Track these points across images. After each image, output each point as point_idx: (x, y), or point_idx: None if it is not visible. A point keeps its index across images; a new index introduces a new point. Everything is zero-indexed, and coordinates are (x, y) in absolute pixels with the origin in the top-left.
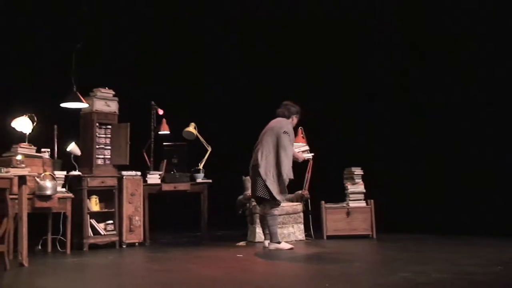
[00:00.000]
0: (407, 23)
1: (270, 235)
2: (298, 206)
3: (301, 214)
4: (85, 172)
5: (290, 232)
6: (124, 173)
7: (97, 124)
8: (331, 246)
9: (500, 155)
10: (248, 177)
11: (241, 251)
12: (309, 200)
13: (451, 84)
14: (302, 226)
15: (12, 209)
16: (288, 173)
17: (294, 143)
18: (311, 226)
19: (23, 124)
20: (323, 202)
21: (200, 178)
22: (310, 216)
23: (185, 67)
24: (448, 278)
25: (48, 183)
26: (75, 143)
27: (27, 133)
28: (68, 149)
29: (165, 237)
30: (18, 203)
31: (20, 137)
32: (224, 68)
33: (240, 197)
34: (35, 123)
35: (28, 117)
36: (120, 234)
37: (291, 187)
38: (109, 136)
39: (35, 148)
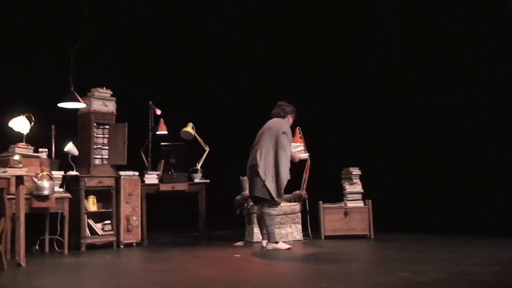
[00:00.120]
0: (407, 23)
1: (268, 235)
2: (296, 206)
3: (299, 214)
4: (83, 172)
5: (288, 232)
6: (121, 173)
7: (95, 124)
8: (329, 246)
9: (500, 155)
10: (245, 177)
11: (239, 251)
12: (307, 200)
13: (451, 84)
14: (300, 226)
15: (9, 209)
16: (286, 173)
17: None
18: (309, 226)
19: (20, 124)
20: (321, 202)
21: (198, 178)
22: (308, 216)
23: (183, 67)
24: (447, 278)
25: (45, 183)
26: (73, 143)
27: (25, 133)
28: (66, 149)
29: (163, 237)
30: (16, 203)
31: (17, 137)
32: (222, 68)
33: (238, 197)
34: (32, 123)
35: (25, 117)
36: (117, 234)
37: (289, 187)
38: (107, 136)
39: (33, 148)
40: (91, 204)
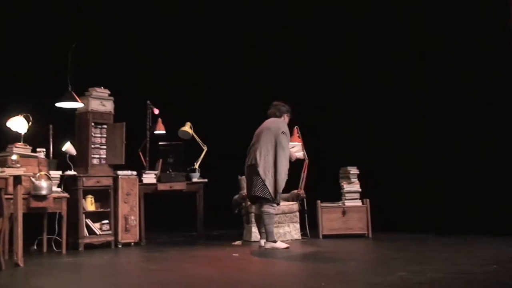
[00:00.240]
0: (407, 23)
1: (266, 234)
2: (294, 205)
3: (297, 213)
4: (81, 171)
5: (286, 231)
6: (119, 172)
7: (93, 123)
8: (327, 245)
9: (500, 154)
10: (243, 177)
11: (237, 251)
12: (305, 199)
13: (451, 84)
14: (298, 225)
15: (7, 209)
16: (285, 173)
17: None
18: (307, 225)
19: (18, 123)
20: (319, 201)
21: (195, 177)
22: (306, 215)
23: (181, 67)
24: (446, 277)
25: (43, 183)
26: (71, 142)
27: (23, 133)
28: (64, 148)
29: (161, 236)
30: (13, 203)
31: (15, 137)
32: (221, 67)
33: (236, 196)
34: (30, 122)
35: (23, 116)
36: (115, 234)
37: (287, 186)
38: (105, 135)
39: (31, 148)
40: (89, 204)
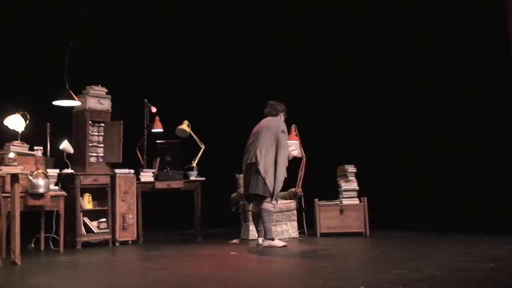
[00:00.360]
0: (407, 23)
1: (265, 231)
2: (292, 204)
3: (295, 212)
4: (78, 170)
5: (284, 230)
6: (117, 171)
7: (90, 122)
8: (325, 244)
9: (499, 154)
10: (241, 175)
11: (235, 249)
12: (302, 198)
13: (451, 83)
14: (295, 224)
15: (4, 207)
16: (284, 172)
17: None
18: (304, 224)
19: (15, 122)
20: (316, 199)
21: (193, 176)
22: (303, 213)
23: (180, 66)
24: (442, 274)
25: (40, 181)
26: (68, 141)
27: (20, 131)
28: (61, 147)
29: (159, 235)
30: (11, 201)
31: (12, 135)
32: (219, 66)
33: (234, 194)
34: (27, 121)
35: (20, 115)
36: (113, 232)
37: (285, 185)
38: (102, 134)
39: (28, 146)
40: (87, 202)
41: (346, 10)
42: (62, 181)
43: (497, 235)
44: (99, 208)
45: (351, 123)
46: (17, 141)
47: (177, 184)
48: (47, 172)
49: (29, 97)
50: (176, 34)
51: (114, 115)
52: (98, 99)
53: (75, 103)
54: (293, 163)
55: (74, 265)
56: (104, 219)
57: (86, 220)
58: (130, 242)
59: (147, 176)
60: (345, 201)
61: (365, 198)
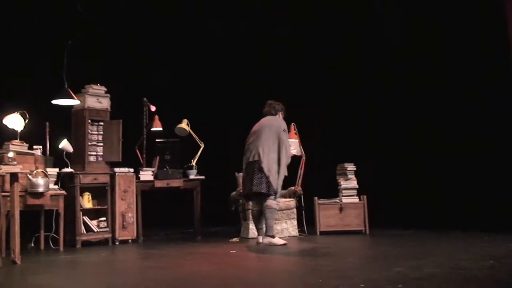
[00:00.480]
0: (406, 23)
1: (266, 228)
2: (291, 202)
3: (294, 210)
4: (78, 169)
5: (284, 228)
6: (116, 170)
7: (89, 121)
8: (324, 242)
9: (499, 153)
10: (240, 174)
11: (235, 247)
12: (302, 196)
13: (451, 85)
14: (295, 222)
15: (4, 207)
16: (285, 170)
17: None
18: (304, 222)
19: (15, 121)
20: (316, 198)
21: (193, 174)
22: (303, 212)
23: (180, 67)
24: (442, 273)
25: (40, 180)
26: (67, 140)
27: (19, 130)
28: (60, 146)
29: (158, 234)
30: (10, 201)
31: (12, 134)
32: (219, 65)
33: (233, 193)
34: (27, 120)
35: (20, 114)
36: (113, 231)
37: (284, 183)
38: (101, 133)
39: (27, 145)
40: (86, 201)
41: (346, 11)
42: (62, 180)
43: (497, 234)
44: (99, 207)
45: (351, 124)
46: (16, 140)
47: (176, 182)
48: (46, 171)
49: (29, 97)
50: (176, 35)
51: (113, 114)
52: (97, 98)
53: (74, 102)
54: (293, 161)
55: (74, 264)
56: (103, 218)
57: (86, 219)
58: (129, 241)
59: (146, 175)
60: (345, 200)
61: (365, 197)
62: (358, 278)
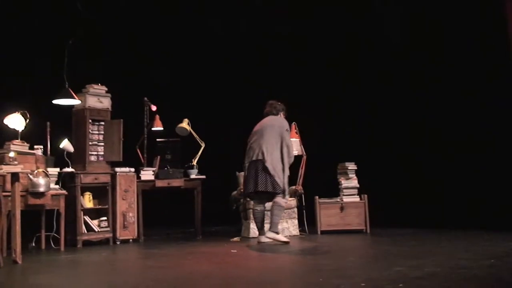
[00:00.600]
0: (406, 21)
1: (271, 224)
2: (292, 201)
3: (295, 209)
4: (78, 168)
5: (284, 227)
6: (117, 169)
7: (90, 120)
8: (325, 241)
9: (499, 154)
10: (241, 173)
11: (235, 247)
12: (303, 195)
13: (451, 83)
14: (296, 221)
15: (5, 206)
16: (288, 169)
17: None
18: (305, 221)
19: (15, 121)
20: (317, 197)
21: (193, 174)
22: (304, 211)
23: (180, 66)
24: (443, 272)
25: (41, 180)
26: (68, 139)
27: (20, 130)
28: (61, 146)
29: (159, 233)
30: (11, 200)
31: (12, 134)
32: (219, 64)
33: (234, 192)
34: (27, 120)
35: (20, 114)
36: (113, 230)
37: None
38: (102, 132)
39: (28, 145)
40: (87, 201)
41: (346, 10)
42: (63, 180)
43: (498, 233)
44: (100, 206)
45: (351, 123)
46: (17, 140)
47: (177, 182)
48: (47, 171)
49: (29, 97)
50: (176, 34)
51: (114, 114)
52: (98, 98)
53: (75, 101)
54: (294, 160)
55: (74, 263)
56: (104, 218)
57: (87, 218)
58: (130, 240)
59: (147, 174)
60: (346, 199)
61: (366, 196)
62: (359, 277)
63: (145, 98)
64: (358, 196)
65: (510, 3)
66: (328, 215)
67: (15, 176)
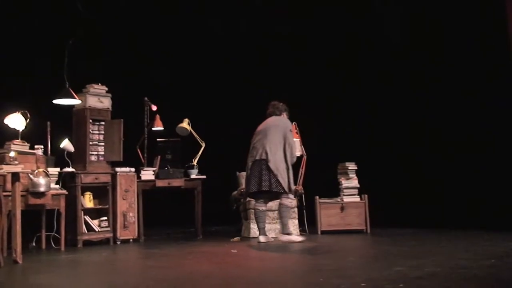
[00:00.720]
0: (406, 21)
1: (282, 226)
2: (293, 201)
3: (296, 209)
4: (79, 168)
5: None
6: (117, 169)
7: (90, 120)
8: (325, 241)
9: (499, 154)
10: (242, 173)
11: (236, 247)
12: (303, 195)
13: (451, 83)
14: (296, 221)
15: (5, 206)
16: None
17: None
18: (305, 221)
19: (16, 121)
20: (317, 197)
21: (194, 174)
22: (304, 211)
23: (180, 66)
24: (443, 272)
25: (41, 180)
26: (68, 139)
27: (20, 130)
28: (62, 145)
29: (159, 233)
30: (12, 200)
31: (13, 134)
32: (220, 65)
33: (234, 192)
34: (28, 119)
35: (21, 113)
36: (114, 230)
37: None
38: (103, 132)
39: (28, 145)
40: (88, 201)
41: (346, 10)
42: (63, 179)
43: (498, 233)
44: (100, 206)
45: (351, 123)
46: (17, 140)
47: (177, 182)
48: (47, 171)
49: (29, 96)
50: (176, 33)
51: (114, 114)
52: (98, 98)
53: (75, 101)
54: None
55: (75, 263)
56: (105, 218)
57: (87, 218)
58: (131, 240)
59: (147, 174)
60: (346, 199)
61: (366, 196)
62: (359, 277)
63: (145, 98)
64: (358, 196)
65: (510, 3)
66: (328, 215)
67: (15, 176)
